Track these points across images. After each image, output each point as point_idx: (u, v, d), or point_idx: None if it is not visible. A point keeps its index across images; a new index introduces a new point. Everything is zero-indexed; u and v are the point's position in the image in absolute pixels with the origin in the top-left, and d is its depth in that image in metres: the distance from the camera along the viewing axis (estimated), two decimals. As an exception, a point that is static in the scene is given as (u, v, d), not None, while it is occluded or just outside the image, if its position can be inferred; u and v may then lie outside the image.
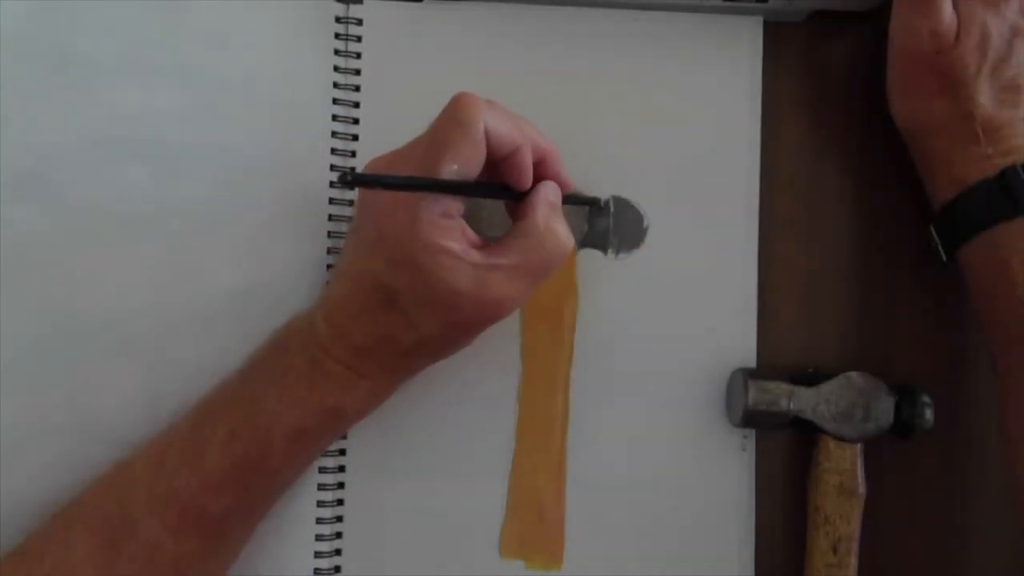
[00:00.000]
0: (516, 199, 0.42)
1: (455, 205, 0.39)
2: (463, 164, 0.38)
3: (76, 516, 0.41)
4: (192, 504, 0.40)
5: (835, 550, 0.46)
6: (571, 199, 0.45)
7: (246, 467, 0.41)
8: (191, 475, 0.40)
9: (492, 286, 0.39)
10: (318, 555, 0.46)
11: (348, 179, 0.34)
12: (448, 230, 0.38)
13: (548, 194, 0.41)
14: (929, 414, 0.46)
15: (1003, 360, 0.45)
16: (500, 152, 0.39)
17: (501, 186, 0.41)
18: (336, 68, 0.48)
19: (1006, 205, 0.42)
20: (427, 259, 0.38)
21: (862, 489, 0.46)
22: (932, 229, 0.47)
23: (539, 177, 0.42)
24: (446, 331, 0.41)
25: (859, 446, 0.47)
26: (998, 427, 0.49)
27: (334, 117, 0.47)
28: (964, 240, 0.44)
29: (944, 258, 0.46)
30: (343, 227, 0.47)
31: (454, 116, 0.38)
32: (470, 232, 0.40)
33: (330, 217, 0.47)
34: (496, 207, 0.46)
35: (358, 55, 0.48)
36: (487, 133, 0.38)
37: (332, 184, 0.47)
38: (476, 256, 0.39)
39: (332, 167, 0.47)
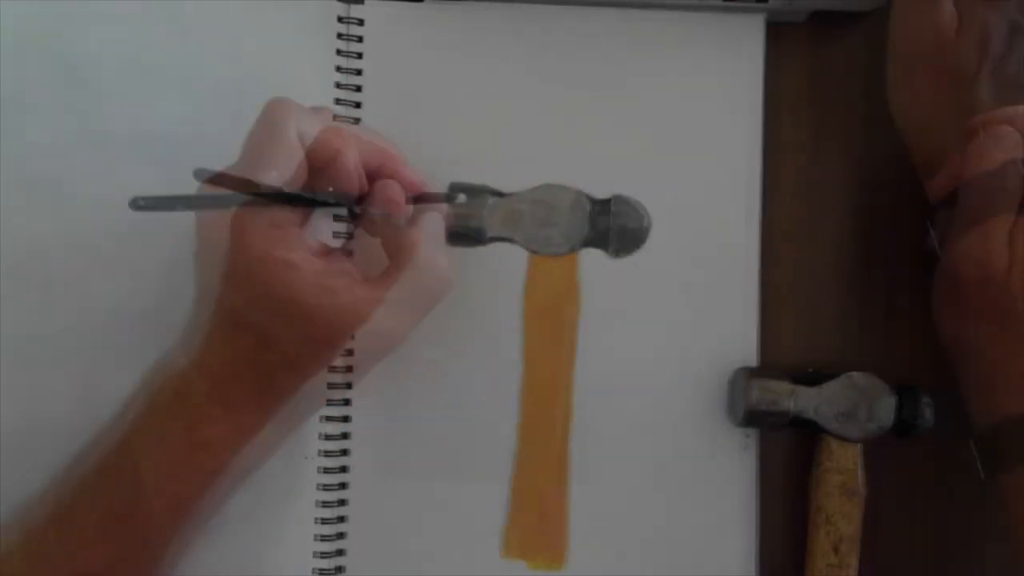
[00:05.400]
0: (348, 210, 0.39)
1: (284, 215, 0.37)
2: (281, 171, 0.36)
3: None
4: None
5: (837, 550, 0.46)
6: (421, 199, 0.42)
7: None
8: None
9: (377, 320, 0.38)
10: (321, 555, 0.46)
11: (140, 204, 0.30)
12: (281, 241, 0.37)
13: (430, 225, 0.40)
14: (929, 414, 0.46)
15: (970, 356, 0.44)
16: (321, 157, 0.38)
17: (342, 196, 0.39)
18: (338, 68, 0.48)
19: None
20: (263, 272, 0.36)
21: (864, 489, 0.46)
22: (928, 223, 0.46)
23: (378, 179, 0.40)
24: (305, 347, 0.38)
25: (860, 446, 0.47)
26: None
27: (335, 117, 0.47)
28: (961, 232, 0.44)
29: (939, 253, 0.46)
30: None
31: (265, 121, 0.37)
32: (312, 242, 0.38)
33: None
34: (496, 208, 0.46)
35: (359, 55, 0.48)
36: (302, 136, 0.37)
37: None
38: (318, 265, 0.37)
39: (333, 167, 0.47)
